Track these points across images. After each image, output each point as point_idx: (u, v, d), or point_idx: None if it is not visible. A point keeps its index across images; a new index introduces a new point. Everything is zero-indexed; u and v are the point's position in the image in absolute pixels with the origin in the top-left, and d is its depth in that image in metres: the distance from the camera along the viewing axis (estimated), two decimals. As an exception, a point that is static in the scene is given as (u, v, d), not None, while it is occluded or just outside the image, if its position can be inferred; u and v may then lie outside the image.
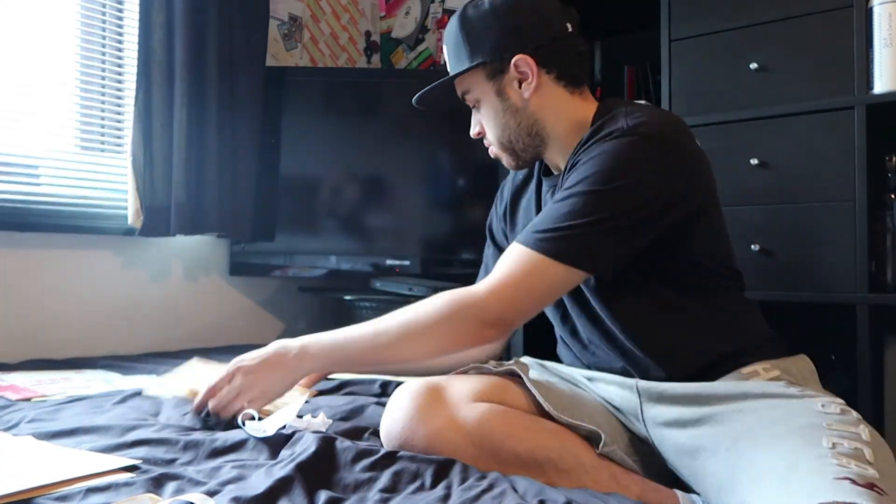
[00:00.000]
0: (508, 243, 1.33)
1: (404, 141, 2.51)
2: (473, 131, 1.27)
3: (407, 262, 2.38)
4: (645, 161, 1.05)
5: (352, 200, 2.50)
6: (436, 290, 2.24)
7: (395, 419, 1.04)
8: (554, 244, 1.03)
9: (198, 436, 1.11)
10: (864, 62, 1.59)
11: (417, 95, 1.29)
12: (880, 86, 1.57)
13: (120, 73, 2.25)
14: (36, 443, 1.06)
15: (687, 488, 1.05)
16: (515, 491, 0.89)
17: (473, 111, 1.26)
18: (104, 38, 2.22)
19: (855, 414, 0.95)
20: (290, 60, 2.75)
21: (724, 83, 1.80)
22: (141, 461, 0.98)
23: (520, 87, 1.18)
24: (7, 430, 1.16)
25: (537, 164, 1.31)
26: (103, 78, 2.22)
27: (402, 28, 3.02)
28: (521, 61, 1.16)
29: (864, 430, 0.90)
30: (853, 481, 0.78)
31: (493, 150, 1.27)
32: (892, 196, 1.61)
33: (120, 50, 2.26)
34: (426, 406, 1.03)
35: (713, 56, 1.82)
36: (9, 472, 0.90)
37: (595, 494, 0.92)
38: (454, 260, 2.44)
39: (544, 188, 1.26)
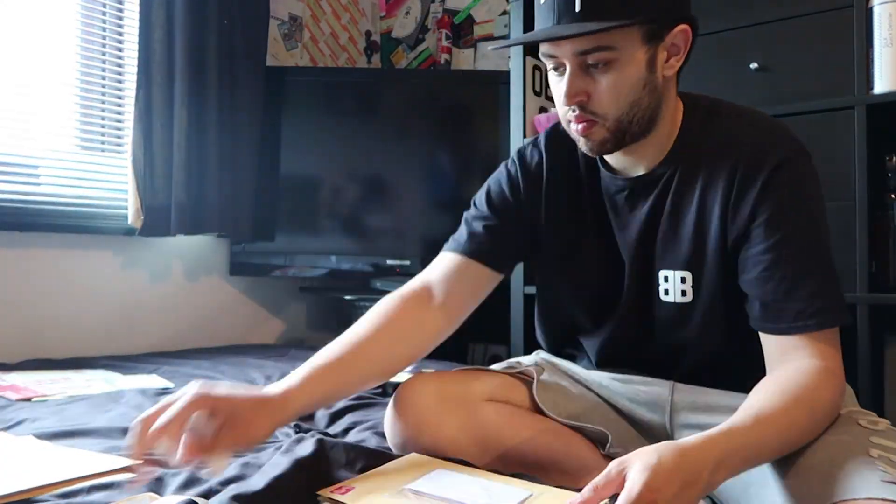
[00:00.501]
0: (531, 216, 1.16)
1: (404, 141, 2.51)
2: (574, 98, 0.97)
3: (407, 262, 2.38)
4: (819, 187, 1.01)
5: (352, 200, 2.50)
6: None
7: (399, 416, 1.03)
8: (839, 314, 0.94)
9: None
10: (865, 62, 1.59)
11: (522, 40, 1.02)
12: (881, 86, 1.56)
13: (120, 73, 2.25)
14: (37, 443, 1.06)
15: None
16: None
17: (578, 73, 0.96)
18: (104, 37, 2.22)
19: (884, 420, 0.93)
20: (291, 60, 2.75)
21: (724, 83, 1.80)
22: (142, 461, 0.98)
23: (666, 61, 0.99)
24: (7, 429, 1.16)
25: (580, 152, 1.11)
26: (103, 78, 2.23)
27: (402, 28, 3.02)
28: (683, 33, 0.98)
29: None
30: None
31: (595, 128, 0.99)
32: (893, 196, 1.61)
33: (120, 50, 2.26)
34: (432, 405, 1.02)
35: (713, 56, 1.82)
36: (9, 472, 0.90)
37: None
38: (454, 260, 2.44)
39: (611, 187, 1.08)
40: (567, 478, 0.99)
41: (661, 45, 0.97)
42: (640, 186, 1.05)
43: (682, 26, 0.97)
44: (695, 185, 1.01)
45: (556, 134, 1.16)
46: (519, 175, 1.17)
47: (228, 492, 0.84)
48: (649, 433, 1.12)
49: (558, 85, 0.99)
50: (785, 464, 0.88)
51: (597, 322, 1.13)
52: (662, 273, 1.04)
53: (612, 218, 1.09)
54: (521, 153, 1.20)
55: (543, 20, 0.96)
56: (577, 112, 0.98)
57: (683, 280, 1.02)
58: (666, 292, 1.04)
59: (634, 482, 0.72)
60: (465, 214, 1.22)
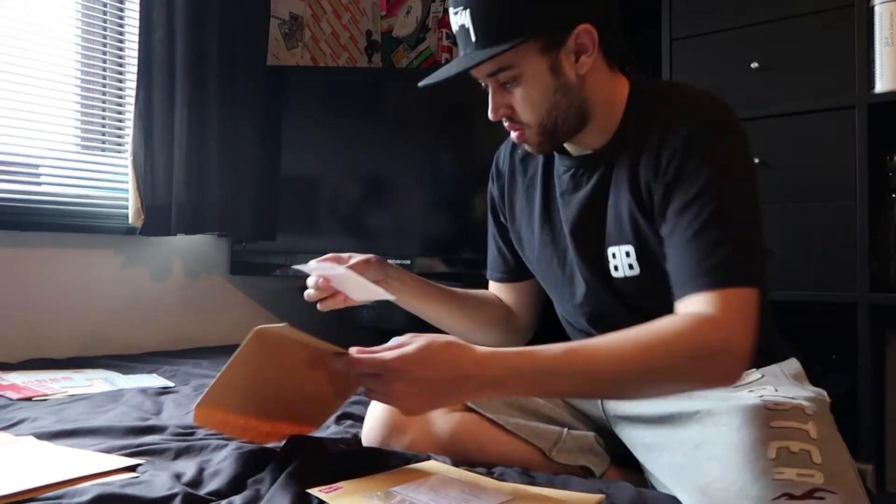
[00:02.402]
0: (507, 222, 1.26)
1: (405, 140, 2.51)
2: (498, 113, 1.05)
3: (408, 262, 2.38)
4: (748, 155, 1.02)
5: (353, 200, 2.50)
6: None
7: (372, 430, 1.07)
8: (744, 273, 0.91)
9: (200, 434, 1.12)
10: (866, 61, 1.59)
11: (435, 77, 1.06)
12: (881, 85, 1.56)
13: (121, 73, 2.25)
14: (37, 443, 1.06)
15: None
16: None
17: (496, 90, 1.04)
18: (105, 37, 2.22)
19: (809, 407, 0.92)
20: (291, 59, 2.75)
21: (724, 83, 1.80)
22: (143, 460, 0.98)
23: (576, 61, 1.02)
24: (8, 429, 1.16)
25: None
26: (104, 77, 2.23)
27: (403, 27, 3.02)
28: (585, 33, 1.00)
29: (812, 428, 0.88)
30: (791, 496, 0.79)
31: (526, 134, 1.06)
32: (893, 195, 1.61)
33: (121, 49, 2.26)
34: (401, 418, 1.04)
35: (713, 56, 1.82)
36: (10, 473, 0.90)
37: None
38: (455, 259, 2.44)
39: (560, 168, 1.14)
40: None
41: (564, 50, 1.01)
42: (585, 166, 1.10)
43: (583, 26, 1.00)
44: (629, 163, 1.05)
45: None
46: (495, 175, 1.29)
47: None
48: (591, 424, 1.16)
49: None
50: (702, 476, 0.88)
51: (565, 303, 1.19)
52: (610, 250, 1.08)
53: (558, 198, 1.14)
54: (496, 155, 1.30)
55: (460, 50, 1.06)
56: (508, 123, 1.07)
57: (628, 254, 1.06)
58: (616, 268, 1.07)
59: (397, 353, 0.82)
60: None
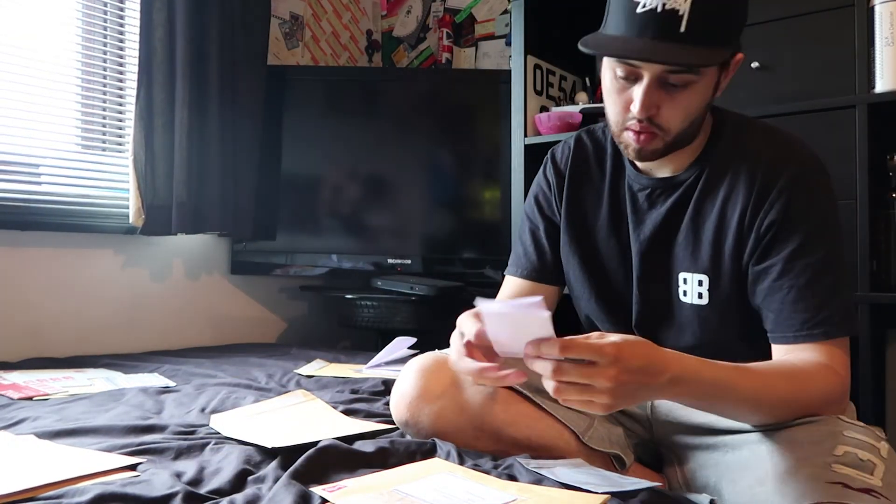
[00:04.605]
0: (560, 223, 1.20)
1: (405, 140, 2.51)
2: (649, 111, 0.97)
3: (408, 261, 2.39)
4: (834, 201, 1.04)
5: (353, 199, 2.50)
6: (437, 289, 2.25)
7: (403, 394, 1.07)
8: (846, 325, 0.98)
9: (201, 433, 1.12)
10: (866, 61, 1.59)
11: (624, 53, 0.96)
12: (882, 84, 1.56)
13: (121, 72, 2.26)
14: (38, 442, 1.06)
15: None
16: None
17: (655, 87, 0.96)
18: (105, 37, 2.22)
19: (879, 433, 0.94)
20: (292, 59, 2.75)
21: (725, 82, 1.80)
22: (144, 459, 0.98)
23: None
24: (8, 428, 1.16)
25: (611, 148, 1.17)
26: (105, 77, 2.23)
27: (403, 27, 3.02)
28: (738, 62, 1.03)
29: (884, 447, 0.89)
30: (846, 485, 0.78)
31: (654, 139, 1.00)
32: (894, 195, 1.61)
33: (121, 49, 2.26)
34: (433, 385, 1.05)
35: (714, 55, 1.81)
36: (10, 472, 0.90)
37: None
38: (455, 259, 2.45)
39: (634, 185, 1.12)
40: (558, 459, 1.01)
41: (725, 71, 1.02)
42: (663, 187, 1.09)
43: (740, 55, 1.02)
44: (717, 193, 1.05)
45: (589, 133, 1.22)
46: (552, 173, 1.23)
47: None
48: (633, 420, 1.15)
49: (624, 92, 0.99)
50: (757, 465, 0.90)
51: (614, 318, 1.16)
52: (682, 275, 1.07)
53: (629, 214, 1.12)
54: (552, 152, 1.26)
55: (638, 29, 0.93)
56: (643, 123, 0.98)
57: (700, 283, 1.06)
58: (684, 293, 1.07)
59: (609, 340, 0.78)
60: (519, 231, 1.28)
